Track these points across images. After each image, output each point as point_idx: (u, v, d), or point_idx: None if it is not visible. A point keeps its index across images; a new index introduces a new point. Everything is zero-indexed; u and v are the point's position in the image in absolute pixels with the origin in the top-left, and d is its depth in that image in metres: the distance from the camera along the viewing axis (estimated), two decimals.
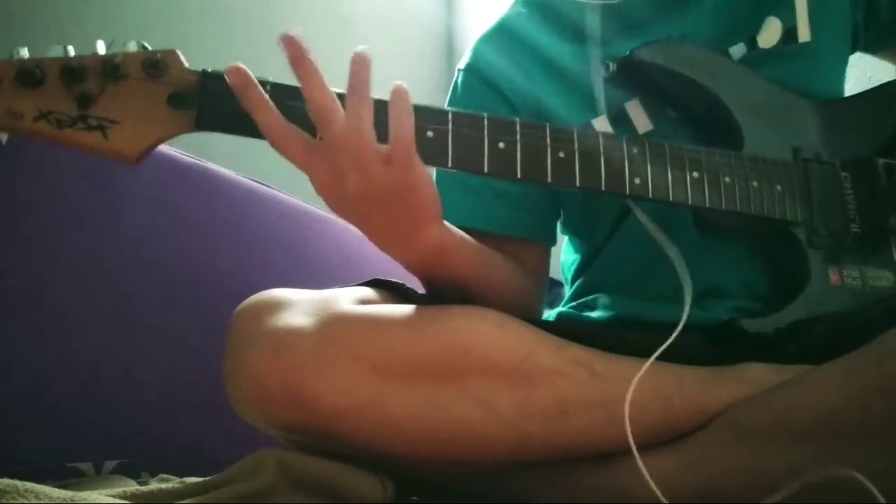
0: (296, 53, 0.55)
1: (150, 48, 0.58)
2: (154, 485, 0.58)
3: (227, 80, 0.56)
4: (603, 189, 0.65)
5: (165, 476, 0.75)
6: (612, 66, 0.73)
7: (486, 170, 0.62)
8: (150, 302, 0.91)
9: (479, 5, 2.12)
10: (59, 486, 0.56)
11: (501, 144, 0.62)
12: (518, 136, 0.63)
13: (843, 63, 0.81)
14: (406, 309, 0.62)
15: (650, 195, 0.66)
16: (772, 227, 0.71)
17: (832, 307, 0.68)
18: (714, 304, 0.71)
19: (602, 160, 0.65)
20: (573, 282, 0.85)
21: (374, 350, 0.58)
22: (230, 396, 0.61)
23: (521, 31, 0.83)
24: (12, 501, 0.47)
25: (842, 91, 0.81)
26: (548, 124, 0.64)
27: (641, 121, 0.76)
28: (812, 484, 0.50)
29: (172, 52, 0.58)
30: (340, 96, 0.57)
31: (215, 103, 0.58)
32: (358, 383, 0.57)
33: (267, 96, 0.56)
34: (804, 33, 0.76)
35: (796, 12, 0.76)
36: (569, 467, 0.62)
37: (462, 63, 0.86)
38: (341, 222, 0.64)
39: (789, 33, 0.76)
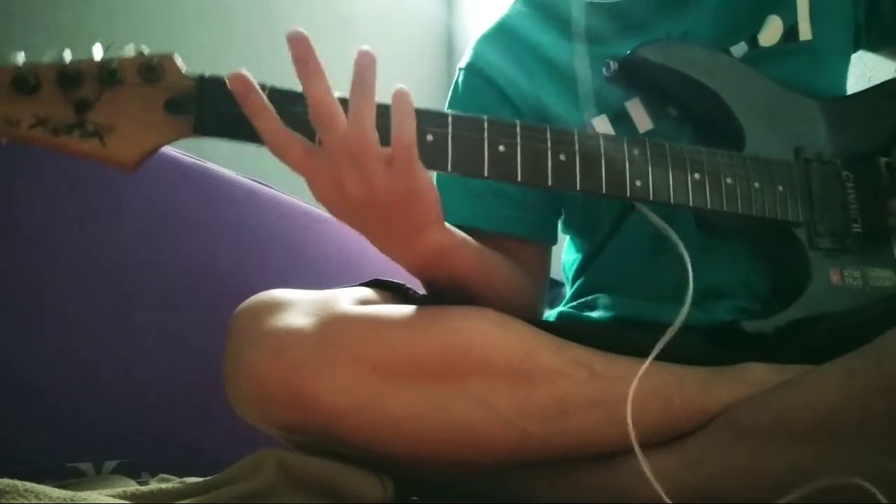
0: (302, 54, 0.55)
1: (147, 51, 0.57)
2: (154, 485, 0.58)
3: (229, 85, 0.55)
4: (604, 192, 0.64)
5: (165, 476, 0.75)
6: (614, 66, 0.73)
7: (486, 173, 0.61)
8: (150, 302, 0.91)
9: (479, 5, 2.12)
10: (59, 486, 0.56)
11: (501, 147, 0.62)
12: (518, 139, 0.62)
13: (846, 61, 0.81)
14: (406, 309, 0.62)
15: (651, 197, 0.66)
16: (773, 228, 0.71)
17: (833, 307, 0.68)
18: (715, 304, 0.71)
19: (603, 162, 0.64)
20: (574, 281, 0.85)
21: (374, 350, 0.58)
22: (230, 396, 0.61)
23: (521, 30, 0.83)
24: (12, 501, 0.46)
25: (844, 89, 0.81)
26: (548, 126, 0.64)
27: (642, 120, 0.76)
28: (812, 485, 0.50)
29: (169, 57, 0.57)
30: (341, 100, 0.56)
31: (213, 109, 0.57)
32: (358, 383, 0.57)
33: (267, 102, 0.55)
34: (805, 31, 0.76)
35: (797, 10, 0.76)
36: (569, 467, 0.62)
37: (463, 62, 0.86)
38: (341, 223, 0.64)
39: (790, 31, 0.76)
